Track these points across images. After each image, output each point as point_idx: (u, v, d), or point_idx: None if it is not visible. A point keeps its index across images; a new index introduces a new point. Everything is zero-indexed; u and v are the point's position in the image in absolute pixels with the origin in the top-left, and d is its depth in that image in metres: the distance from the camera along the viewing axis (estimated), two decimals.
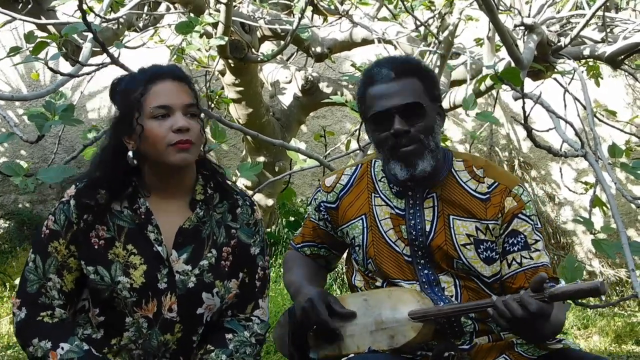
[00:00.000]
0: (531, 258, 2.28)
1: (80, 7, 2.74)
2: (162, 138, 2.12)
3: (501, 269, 2.30)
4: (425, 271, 2.31)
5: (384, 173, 2.39)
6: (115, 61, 2.92)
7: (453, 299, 2.28)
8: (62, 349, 2.11)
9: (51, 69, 2.94)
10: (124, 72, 2.80)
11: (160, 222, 2.19)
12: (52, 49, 2.99)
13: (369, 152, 3.68)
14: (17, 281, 4.02)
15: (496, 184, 2.32)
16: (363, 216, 2.38)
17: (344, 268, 5.87)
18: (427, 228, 2.30)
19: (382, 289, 2.34)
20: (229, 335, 2.24)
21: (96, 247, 2.15)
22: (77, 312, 2.23)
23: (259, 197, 5.10)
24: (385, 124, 2.25)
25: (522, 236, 2.29)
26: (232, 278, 2.26)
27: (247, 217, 2.31)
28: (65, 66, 3.15)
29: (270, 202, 5.30)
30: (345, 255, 2.59)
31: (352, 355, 2.26)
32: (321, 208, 2.47)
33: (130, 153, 2.17)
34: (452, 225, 2.29)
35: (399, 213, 2.34)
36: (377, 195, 2.38)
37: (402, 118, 2.23)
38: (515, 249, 2.28)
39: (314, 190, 2.54)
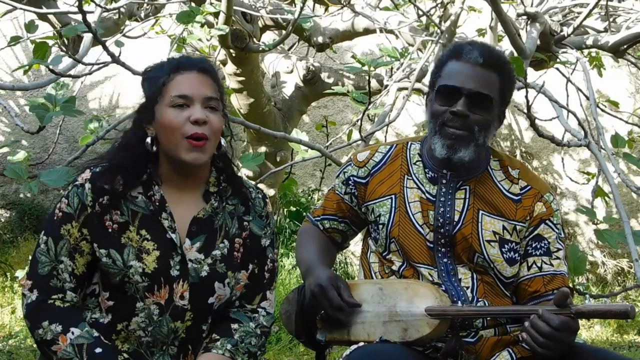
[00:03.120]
0: (551, 265, 2.31)
1: (80, 8, 2.72)
2: (178, 128, 2.13)
3: (519, 270, 2.32)
4: (445, 260, 2.31)
5: (419, 157, 2.40)
6: (115, 60, 2.91)
7: (468, 291, 2.28)
8: (73, 333, 2.11)
9: (52, 71, 2.93)
10: (125, 68, 2.80)
11: (174, 211, 2.20)
12: (54, 47, 2.98)
13: (369, 141, 3.67)
14: (18, 272, 4.01)
15: (529, 187, 2.35)
16: (393, 196, 2.38)
17: (347, 259, 5.87)
18: (456, 218, 2.31)
19: (398, 280, 2.34)
20: (235, 325, 2.25)
21: (110, 230, 2.15)
22: (87, 296, 2.23)
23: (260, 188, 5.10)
24: (450, 100, 2.27)
25: (546, 242, 2.32)
26: (242, 269, 2.27)
27: (260, 210, 2.33)
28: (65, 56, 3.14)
29: (271, 192, 5.30)
30: (357, 240, 2.58)
31: (362, 342, 2.26)
32: (350, 182, 2.47)
33: (148, 139, 2.18)
34: (480, 220, 2.31)
35: (429, 198, 2.35)
36: (410, 178, 2.39)
37: (467, 102, 2.25)
38: (537, 253, 2.31)
39: (343, 165, 2.54)
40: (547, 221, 2.32)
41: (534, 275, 2.30)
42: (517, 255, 2.31)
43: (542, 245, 2.31)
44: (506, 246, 2.30)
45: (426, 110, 2.41)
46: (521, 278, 2.31)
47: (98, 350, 2.10)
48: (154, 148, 2.18)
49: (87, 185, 2.16)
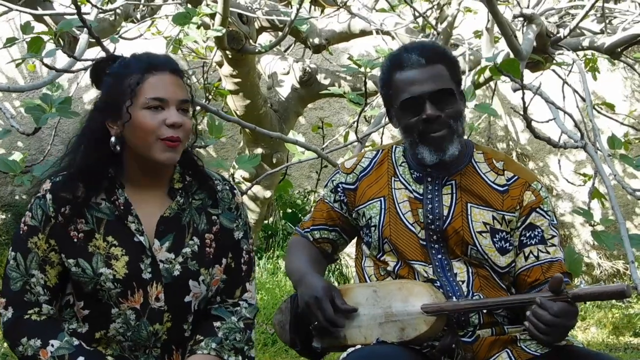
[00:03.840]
0: (547, 252, 2.31)
1: (74, 3, 2.72)
2: (153, 130, 2.10)
3: (516, 261, 2.32)
4: (439, 256, 2.32)
5: (404, 158, 2.42)
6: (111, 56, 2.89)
7: (464, 285, 2.29)
8: (52, 346, 2.09)
9: (47, 66, 2.92)
10: None
11: (140, 213, 2.17)
12: (49, 44, 2.96)
13: (365, 143, 3.66)
14: None
15: (516, 177, 2.36)
16: (382, 198, 2.39)
17: (342, 260, 5.88)
18: (445, 213, 2.32)
19: (392, 281, 2.34)
20: (217, 323, 2.22)
21: (75, 240, 2.13)
22: (62, 307, 2.21)
23: (256, 189, 5.09)
24: (416, 110, 2.28)
25: (539, 230, 2.32)
26: (215, 264, 2.24)
27: (228, 202, 2.30)
28: (62, 57, 3.14)
29: (267, 194, 5.29)
30: (353, 243, 2.58)
31: (359, 345, 2.25)
32: (338, 189, 2.48)
33: (113, 139, 2.14)
34: (469, 212, 2.32)
35: (417, 197, 2.36)
36: (397, 179, 2.40)
37: (432, 104, 2.26)
38: (532, 242, 2.32)
39: (331, 174, 2.55)
40: (537, 209, 2.33)
41: (532, 265, 2.30)
42: (508, 244, 2.31)
43: (536, 233, 2.32)
44: (497, 236, 2.31)
45: (397, 126, 2.40)
46: (519, 269, 2.32)
47: (81, 359, 2.09)
48: (118, 148, 2.15)
49: (48, 196, 2.14)
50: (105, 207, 2.16)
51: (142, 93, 2.11)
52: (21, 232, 2.16)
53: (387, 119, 2.51)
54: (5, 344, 4.37)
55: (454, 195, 2.34)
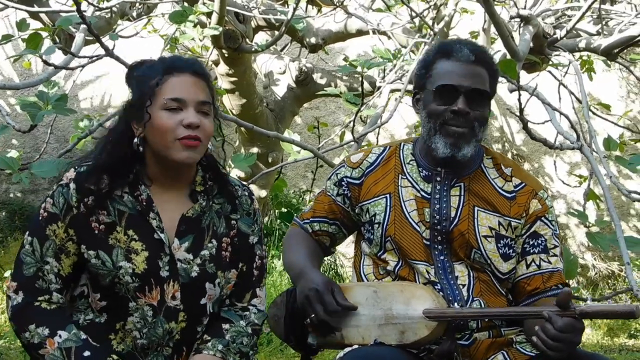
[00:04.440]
0: (549, 262, 2.32)
1: (75, 0, 2.71)
2: (171, 130, 2.11)
3: (517, 268, 2.33)
4: (442, 257, 2.32)
5: (413, 157, 2.42)
6: (109, 53, 2.89)
7: (464, 290, 2.28)
8: (60, 337, 2.09)
9: (45, 62, 2.91)
10: (119, 62, 2.79)
11: (161, 211, 2.18)
12: (46, 41, 2.96)
13: (361, 143, 3.66)
14: (7, 273, 3.99)
15: (523, 184, 2.37)
16: (388, 195, 2.39)
17: (337, 260, 5.87)
18: (452, 214, 2.32)
19: (393, 282, 2.34)
20: (226, 326, 2.23)
21: (96, 231, 2.13)
22: (76, 298, 2.21)
23: (252, 189, 5.09)
24: (449, 99, 2.29)
25: (543, 239, 2.33)
26: (231, 268, 2.25)
27: (247, 207, 2.32)
28: (58, 54, 3.13)
29: (263, 193, 5.29)
30: (349, 243, 2.57)
31: (356, 345, 2.25)
32: (343, 183, 2.47)
33: (136, 139, 2.16)
34: (476, 216, 2.32)
35: (424, 196, 2.35)
36: (404, 177, 2.40)
37: (466, 99, 2.27)
38: (536, 250, 2.33)
39: (335, 167, 2.54)
40: (542, 218, 2.34)
41: (533, 274, 2.31)
42: (511, 251, 2.32)
43: (540, 242, 2.33)
44: (501, 241, 2.31)
45: (419, 111, 2.41)
46: (520, 276, 2.32)
47: (86, 353, 2.08)
48: (141, 148, 2.16)
49: (72, 185, 2.14)
50: (128, 201, 2.17)
51: (161, 94, 2.13)
52: (40, 217, 2.16)
53: (382, 119, 2.50)
54: (0, 342, 4.37)
55: (462, 197, 2.34)
